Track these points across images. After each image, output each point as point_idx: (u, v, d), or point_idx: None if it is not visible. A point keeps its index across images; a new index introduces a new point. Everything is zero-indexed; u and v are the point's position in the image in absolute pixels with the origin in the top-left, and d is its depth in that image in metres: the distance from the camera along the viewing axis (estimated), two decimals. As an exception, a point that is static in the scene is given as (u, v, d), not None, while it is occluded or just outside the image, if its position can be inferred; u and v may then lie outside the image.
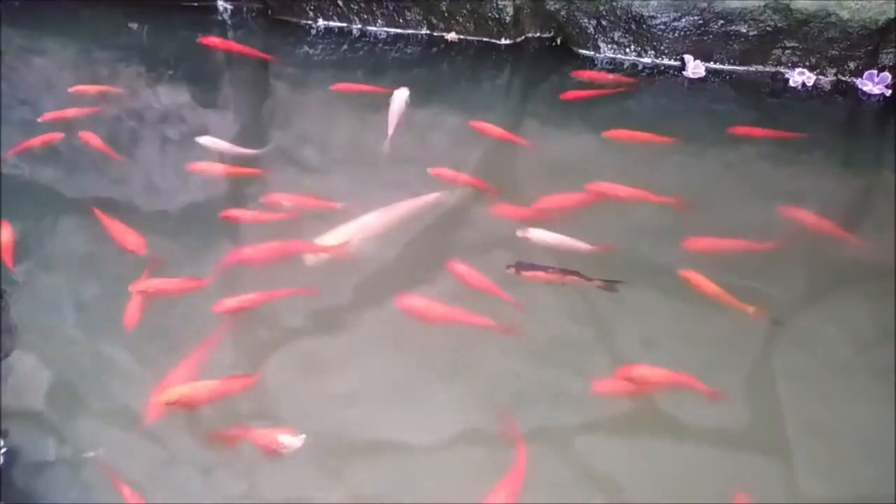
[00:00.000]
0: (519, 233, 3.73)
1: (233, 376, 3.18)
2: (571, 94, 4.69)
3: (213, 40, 5.24)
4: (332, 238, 3.69)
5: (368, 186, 4.08)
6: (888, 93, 4.61)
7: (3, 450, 2.99)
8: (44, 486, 2.97)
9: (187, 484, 2.93)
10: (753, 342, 3.30)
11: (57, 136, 4.43)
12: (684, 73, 4.88)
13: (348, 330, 3.42)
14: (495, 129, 4.39)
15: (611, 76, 4.86)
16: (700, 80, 4.84)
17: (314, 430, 3.02)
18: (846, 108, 4.65)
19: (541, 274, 3.51)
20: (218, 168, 4.25)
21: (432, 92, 4.86)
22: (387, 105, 4.51)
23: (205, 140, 4.37)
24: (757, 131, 4.30)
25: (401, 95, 4.58)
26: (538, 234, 3.71)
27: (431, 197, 3.91)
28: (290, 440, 2.94)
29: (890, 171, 4.12)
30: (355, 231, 3.72)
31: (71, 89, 4.82)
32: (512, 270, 3.51)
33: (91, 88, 4.83)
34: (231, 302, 3.46)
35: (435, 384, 3.20)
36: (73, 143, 4.42)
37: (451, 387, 3.18)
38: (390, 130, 4.41)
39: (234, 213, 3.94)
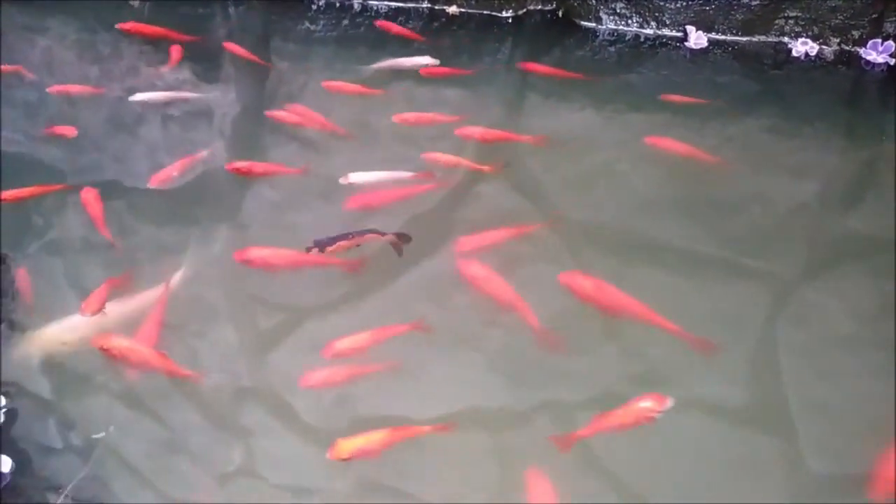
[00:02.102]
0: (341, 180, 3.84)
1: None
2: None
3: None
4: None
5: (369, 161, 4.02)
6: (892, 62, 4.55)
7: (4, 409, 2.98)
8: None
9: (189, 459, 2.92)
10: (756, 317, 3.24)
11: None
12: (686, 44, 4.81)
13: (353, 308, 3.38)
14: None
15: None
16: (702, 51, 4.77)
17: (318, 406, 3.02)
18: (849, 79, 4.58)
19: (342, 243, 3.46)
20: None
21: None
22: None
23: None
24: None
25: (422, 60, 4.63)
26: (358, 177, 3.83)
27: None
28: None
29: (892, 142, 4.04)
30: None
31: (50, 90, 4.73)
32: (315, 251, 3.43)
33: (72, 88, 4.74)
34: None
35: (438, 362, 3.16)
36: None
37: (454, 364, 3.14)
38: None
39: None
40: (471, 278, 3.40)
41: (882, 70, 4.55)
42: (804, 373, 3.05)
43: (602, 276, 3.37)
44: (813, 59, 4.66)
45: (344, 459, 2.79)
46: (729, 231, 3.56)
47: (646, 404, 2.83)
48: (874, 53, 4.58)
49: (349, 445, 2.81)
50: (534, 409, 2.98)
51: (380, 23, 5.18)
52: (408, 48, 4.95)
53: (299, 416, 3.01)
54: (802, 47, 4.69)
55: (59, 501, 2.77)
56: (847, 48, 4.68)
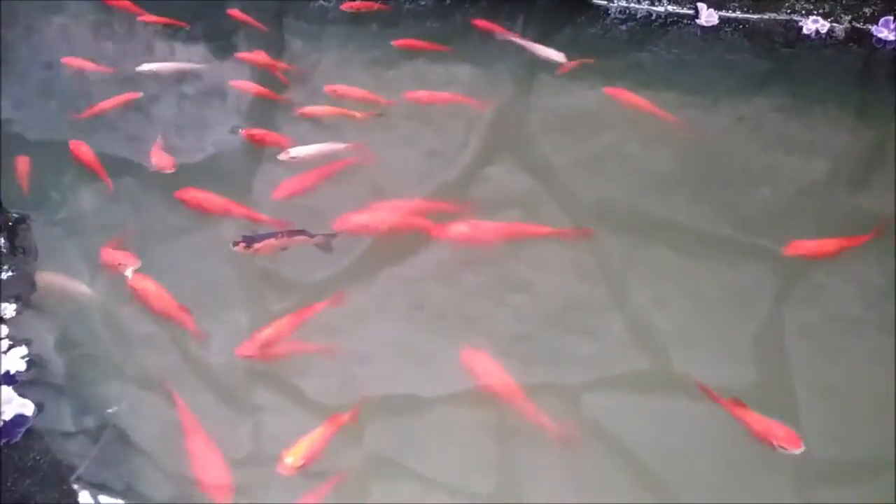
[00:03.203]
0: (281, 156, 3.83)
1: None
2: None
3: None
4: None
5: (379, 137, 4.01)
6: (904, 39, 4.48)
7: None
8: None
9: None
10: (763, 298, 3.21)
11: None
12: (697, 21, 4.75)
13: (360, 290, 3.35)
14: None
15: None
16: (713, 28, 4.71)
17: (325, 386, 3.01)
18: (860, 57, 4.51)
19: (271, 241, 3.37)
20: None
21: (445, 42, 4.71)
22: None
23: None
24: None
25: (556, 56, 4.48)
26: (298, 151, 3.82)
27: None
28: None
29: (903, 121, 3.99)
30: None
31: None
32: (240, 247, 3.33)
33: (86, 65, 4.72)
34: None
35: (446, 343, 3.12)
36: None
37: (462, 345, 3.08)
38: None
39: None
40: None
41: (893, 48, 4.48)
42: (810, 354, 3.02)
43: (612, 256, 3.37)
44: (824, 36, 4.59)
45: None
46: (739, 210, 3.52)
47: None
48: (886, 31, 4.51)
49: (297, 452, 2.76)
50: (539, 388, 2.95)
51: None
52: (422, 25, 4.90)
53: (305, 394, 3.01)
54: (813, 25, 4.62)
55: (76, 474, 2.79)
56: (858, 25, 4.61)
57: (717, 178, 3.68)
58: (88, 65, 4.66)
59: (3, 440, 2.76)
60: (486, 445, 2.82)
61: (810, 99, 3.99)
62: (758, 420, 2.73)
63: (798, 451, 2.66)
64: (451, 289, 3.31)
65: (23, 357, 3.01)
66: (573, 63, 4.37)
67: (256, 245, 3.32)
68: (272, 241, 3.36)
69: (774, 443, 2.68)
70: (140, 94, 4.38)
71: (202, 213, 3.58)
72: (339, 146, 3.90)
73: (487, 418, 2.89)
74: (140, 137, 4.11)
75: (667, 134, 3.89)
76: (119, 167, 3.91)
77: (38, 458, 2.77)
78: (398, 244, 3.49)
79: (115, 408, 2.99)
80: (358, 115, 4.04)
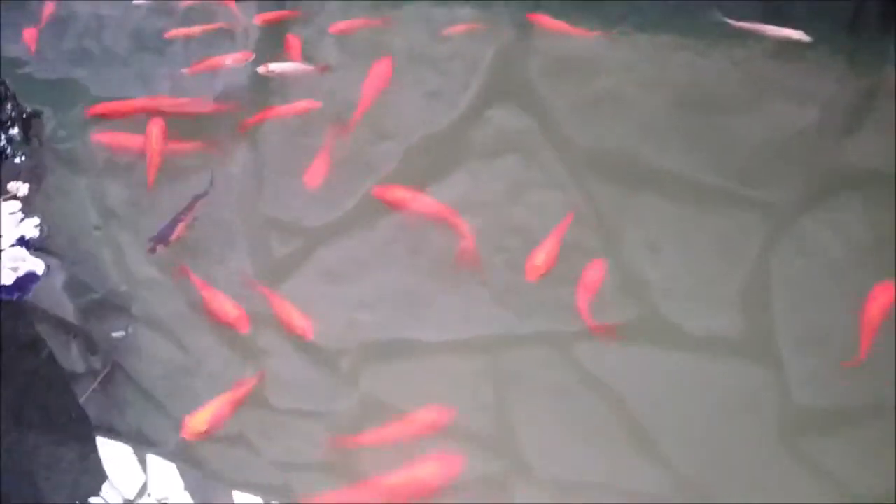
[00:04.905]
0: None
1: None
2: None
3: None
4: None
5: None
6: (898, -14, 4.36)
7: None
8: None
9: (208, 379, 2.92)
10: (752, 246, 3.17)
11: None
12: (695, -36, 4.62)
13: (361, 237, 3.33)
14: None
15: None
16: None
17: (330, 334, 2.98)
18: (852, 4, 4.38)
19: (181, 226, 3.32)
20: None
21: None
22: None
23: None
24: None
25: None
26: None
27: None
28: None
29: (892, 70, 3.89)
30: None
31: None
32: (160, 247, 3.27)
33: None
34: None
35: (443, 289, 3.12)
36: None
37: (459, 294, 3.09)
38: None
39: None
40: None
41: (887, -6, 4.37)
42: (796, 304, 2.99)
43: (605, 203, 3.33)
44: (818, -19, 4.48)
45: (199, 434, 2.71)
46: (730, 158, 3.47)
47: None
48: (879, -23, 4.39)
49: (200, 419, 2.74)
50: (532, 338, 2.95)
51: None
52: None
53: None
54: (809, -31, 4.49)
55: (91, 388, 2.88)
56: (852, -29, 4.49)
57: (710, 125, 3.62)
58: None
59: (17, 294, 3.06)
60: (483, 390, 2.82)
61: (802, 46, 3.88)
62: None
63: None
64: (451, 234, 3.27)
65: (35, 226, 3.33)
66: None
67: (171, 238, 3.28)
68: (181, 224, 3.33)
69: None
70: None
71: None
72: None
73: (484, 364, 2.89)
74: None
75: (663, 79, 3.83)
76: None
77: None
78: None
79: (122, 333, 3.02)
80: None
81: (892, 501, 2.50)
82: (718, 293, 3.01)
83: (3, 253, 3.18)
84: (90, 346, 3.01)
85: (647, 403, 2.76)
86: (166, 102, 3.83)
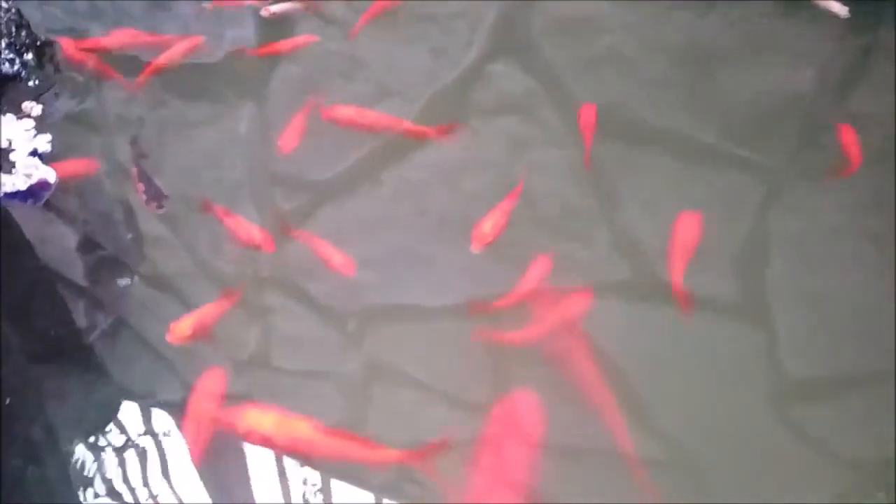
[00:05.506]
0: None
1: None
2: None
3: None
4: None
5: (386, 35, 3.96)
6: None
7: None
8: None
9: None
10: (748, 208, 3.19)
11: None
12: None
13: (365, 191, 3.36)
14: None
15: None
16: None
17: (334, 292, 3.03)
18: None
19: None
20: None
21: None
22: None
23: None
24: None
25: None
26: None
27: None
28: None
29: (891, 30, 3.86)
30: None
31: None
32: (160, 203, 3.34)
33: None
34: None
35: (446, 248, 3.14)
36: None
37: (461, 253, 3.08)
38: None
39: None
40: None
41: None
42: (793, 265, 3.01)
43: (605, 162, 3.33)
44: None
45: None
46: (727, 118, 3.47)
47: None
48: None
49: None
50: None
51: None
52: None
53: (312, 298, 3.04)
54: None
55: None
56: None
57: (709, 85, 3.61)
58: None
59: (30, 201, 3.27)
60: (480, 353, 2.84)
61: (798, 5, 3.85)
62: None
63: None
64: (453, 192, 3.30)
65: (48, 142, 3.49)
66: None
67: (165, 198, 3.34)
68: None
69: None
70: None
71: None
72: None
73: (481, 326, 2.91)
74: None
75: (662, 39, 3.80)
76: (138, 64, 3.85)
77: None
78: (401, 147, 3.46)
79: (129, 281, 3.08)
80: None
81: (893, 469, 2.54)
82: (714, 253, 3.02)
83: (17, 162, 3.38)
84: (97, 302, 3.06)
85: (640, 366, 2.79)
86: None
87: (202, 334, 2.87)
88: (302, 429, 2.62)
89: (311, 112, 3.54)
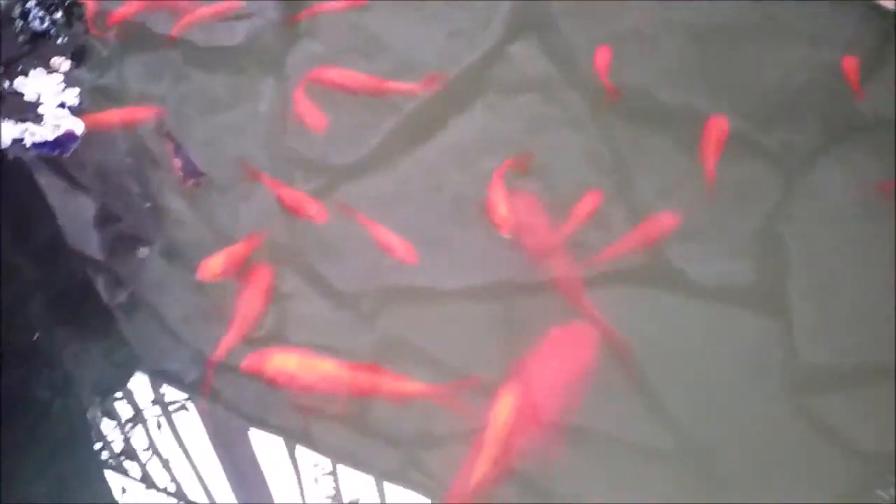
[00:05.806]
0: None
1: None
2: None
3: None
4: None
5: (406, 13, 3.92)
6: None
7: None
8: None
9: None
10: (768, 191, 3.15)
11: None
12: None
13: (385, 172, 3.34)
14: None
15: None
16: None
17: (350, 274, 3.02)
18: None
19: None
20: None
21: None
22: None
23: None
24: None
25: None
26: None
27: None
28: None
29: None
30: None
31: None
32: (197, 181, 3.33)
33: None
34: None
35: (461, 229, 3.13)
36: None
37: (479, 237, 3.09)
38: None
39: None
40: None
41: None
42: (809, 253, 2.98)
43: (622, 143, 3.31)
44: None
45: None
46: (749, 101, 3.41)
47: None
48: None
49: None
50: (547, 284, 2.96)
51: None
52: None
53: (328, 280, 3.03)
54: None
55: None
56: None
57: (729, 66, 3.56)
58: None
59: (57, 151, 3.37)
60: (494, 336, 2.84)
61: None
62: None
63: None
64: (469, 173, 3.26)
65: (76, 96, 3.56)
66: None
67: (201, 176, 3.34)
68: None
69: None
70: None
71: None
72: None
73: (495, 310, 2.91)
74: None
75: (683, 19, 3.74)
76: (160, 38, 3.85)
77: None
78: (418, 127, 3.43)
79: (146, 251, 3.11)
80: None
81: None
82: (729, 239, 3.00)
83: (46, 114, 3.47)
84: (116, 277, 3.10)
85: (652, 352, 2.76)
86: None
87: (232, 272, 2.97)
88: (327, 366, 2.69)
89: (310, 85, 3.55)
